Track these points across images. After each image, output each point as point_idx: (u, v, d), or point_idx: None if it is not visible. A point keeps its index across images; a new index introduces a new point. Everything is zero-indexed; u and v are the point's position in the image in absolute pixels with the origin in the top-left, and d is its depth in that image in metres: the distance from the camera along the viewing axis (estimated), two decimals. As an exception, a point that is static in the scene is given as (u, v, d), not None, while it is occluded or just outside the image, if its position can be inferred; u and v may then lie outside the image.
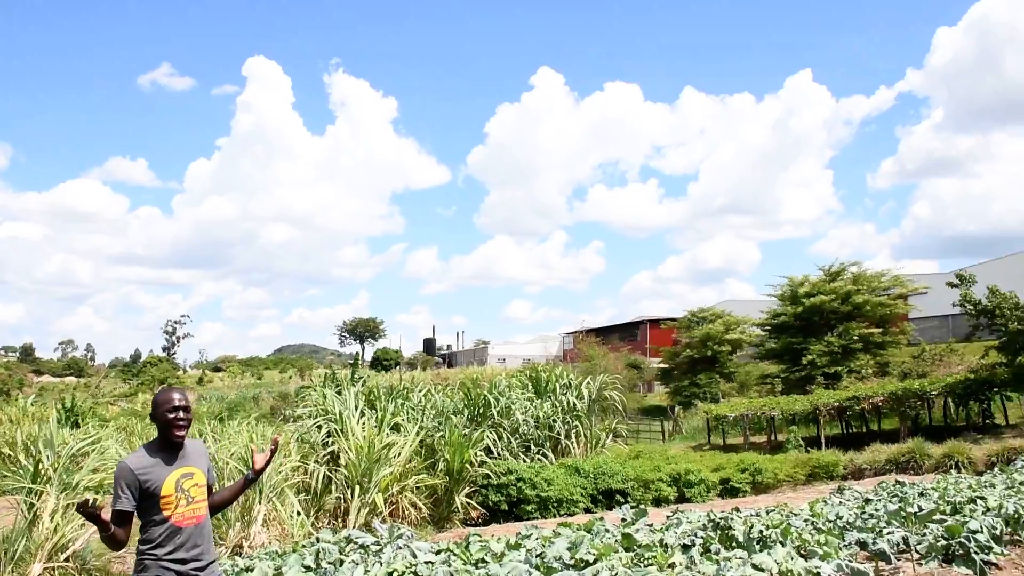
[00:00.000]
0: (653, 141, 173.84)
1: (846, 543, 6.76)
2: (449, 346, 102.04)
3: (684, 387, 39.92)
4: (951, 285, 21.52)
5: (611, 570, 5.82)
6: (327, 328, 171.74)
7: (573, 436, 17.90)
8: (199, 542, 3.94)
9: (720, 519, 7.68)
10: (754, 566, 5.97)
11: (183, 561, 3.84)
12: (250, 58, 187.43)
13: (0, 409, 33.59)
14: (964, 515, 8.23)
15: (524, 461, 16.03)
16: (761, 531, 6.80)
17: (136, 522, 3.93)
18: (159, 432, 3.99)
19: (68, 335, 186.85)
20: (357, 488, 12.02)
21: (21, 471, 9.40)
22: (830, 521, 7.90)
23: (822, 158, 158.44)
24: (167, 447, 3.98)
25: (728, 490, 16.42)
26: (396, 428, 14.38)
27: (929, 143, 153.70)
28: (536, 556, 6.36)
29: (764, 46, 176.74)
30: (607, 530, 8.27)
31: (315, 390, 16.19)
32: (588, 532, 8.51)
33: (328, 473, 12.89)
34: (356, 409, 14.68)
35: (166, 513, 3.86)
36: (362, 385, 17.46)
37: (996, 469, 14.04)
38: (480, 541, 7.84)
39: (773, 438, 24.14)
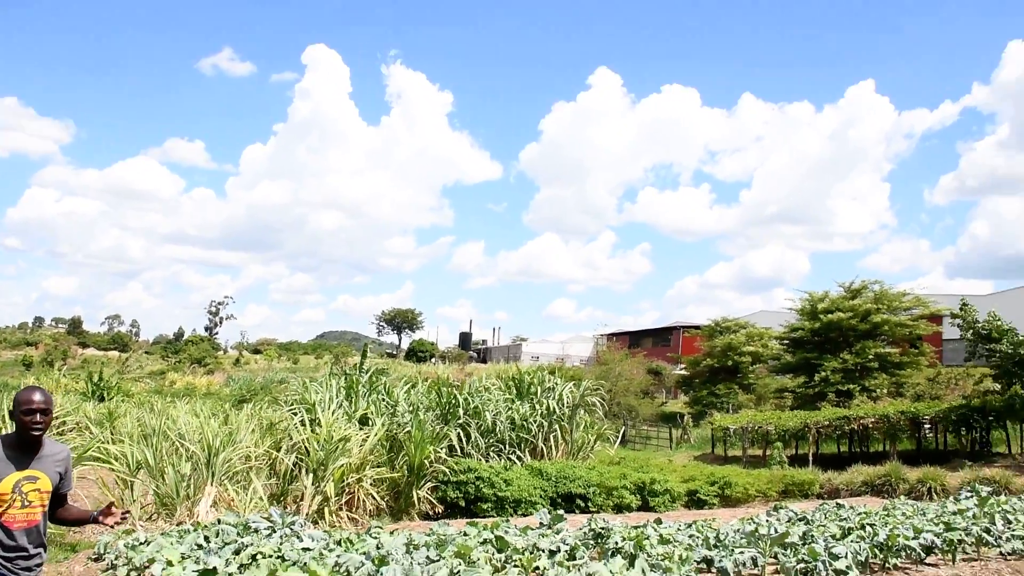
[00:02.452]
0: (708, 146, 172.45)
1: (698, 559, 7.08)
2: (485, 341, 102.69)
3: (702, 396, 39.92)
4: (953, 316, 21.30)
5: (448, 566, 6.25)
6: (370, 316, 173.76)
7: (552, 440, 18.23)
8: (28, 544, 4.12)
9: (600, 529, 8.05)
10: (588, 575, 6.35)
11: (8, 560, 4.06)
12: (310, 46, 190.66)
13: (38, 379, 35.38)
14: (853, 539, 8.49)
15: (495, 461, 16.44)
16: (617, 542, 7.16)
17: None
18: (16, 429, 4.14)
19: (118, 310, 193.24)
20: (312, 476, 12.61)
21: None
22: (707, 539, 8.20)
23: (879, 171, 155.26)
24: (22, 445, 4.08)
25: (695, 502, 16.58)
26: (364, 421, 14.95)
27: (992, 160, 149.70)
28: (378, 550, 6.81)
29: (827, 55, 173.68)
30: (507, 532, 8.67)
31: (296, 379, 16.84)
32: (493, 532, 8.95)
33: (296, 460, 13.50)
34: (332, 400, 15.38)
35: None
36: (366, 376, 18.19)
37: (952, 497, 14.03)
38: (377, 534, 8.33)
39: (767, 453, 24.17)
